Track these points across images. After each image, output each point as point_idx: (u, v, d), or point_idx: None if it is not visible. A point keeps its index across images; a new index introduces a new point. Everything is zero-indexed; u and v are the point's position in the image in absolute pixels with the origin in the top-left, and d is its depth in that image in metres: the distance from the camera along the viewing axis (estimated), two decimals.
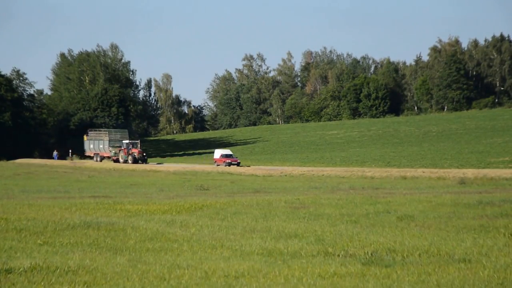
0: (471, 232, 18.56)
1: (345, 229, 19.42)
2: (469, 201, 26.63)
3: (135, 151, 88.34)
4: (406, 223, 20.77)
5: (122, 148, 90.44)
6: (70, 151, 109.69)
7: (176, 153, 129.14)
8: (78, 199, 31.10)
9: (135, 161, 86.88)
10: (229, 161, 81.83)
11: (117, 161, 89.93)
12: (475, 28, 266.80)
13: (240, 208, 25.52)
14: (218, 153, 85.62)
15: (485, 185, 43.30)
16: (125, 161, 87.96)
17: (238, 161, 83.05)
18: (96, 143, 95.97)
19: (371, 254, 15.26)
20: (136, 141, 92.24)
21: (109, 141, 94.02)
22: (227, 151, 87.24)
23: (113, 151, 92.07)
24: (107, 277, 12.92)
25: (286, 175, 63.85)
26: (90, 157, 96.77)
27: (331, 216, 22.83)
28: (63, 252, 15.87)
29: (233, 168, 74.79)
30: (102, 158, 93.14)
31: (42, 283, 12.42)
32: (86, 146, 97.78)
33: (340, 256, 15.32)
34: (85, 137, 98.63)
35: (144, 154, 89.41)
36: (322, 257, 15.27)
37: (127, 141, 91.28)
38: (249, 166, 79.59)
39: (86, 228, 19.80)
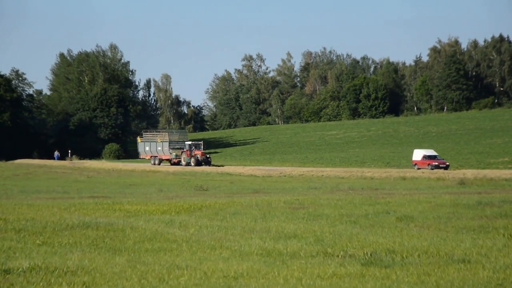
0: (471, 233, 18.56)
1: (344, 230, 19.41)
2: (468, 201, 26.63)
3: (198, 153, 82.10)
4: (406, 224, 20.76)
5: (185, 150, 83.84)
6: (69, 151, 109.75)
7: None
8: (77, 199, 31.08)
9: (198, 163, 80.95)
10: (436, 163, 67.51)
11: (177, 163, 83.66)
12: (474, 28, 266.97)
13: (239, 208, 25.51)
14: (419, 153, 70.75)
15: (485, 185, 43.30)
16: (188, 164, 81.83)
17: (447, 163, 67.84)
18: (153, 145, 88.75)
19: (371, 255, 15.25)
20: (199, 142, 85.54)
21: (169, 142, 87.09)
22: (430, 151, 71.80)
23: (174, 153, 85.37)
24: (106, 278, 12.90)
25: (285, 176, 63.81)
26: (145, 160, 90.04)
27: (331, 216, 22.83)
28: (62, 252, 15.85)
29: (232, 169, 74.35)
30: (161, 161, 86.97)
31: (41, 284, 12.40)
32: (140, 149, 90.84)
33: (340, 256, 15.31)
34: (139, 139, 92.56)
35: (208, 156, 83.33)
36: (321, 257, 15.26)
37: (190, 142, 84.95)
38: (458, 170, 64.19)
39: (85, 228, 19.79)
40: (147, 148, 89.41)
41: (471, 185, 43.75)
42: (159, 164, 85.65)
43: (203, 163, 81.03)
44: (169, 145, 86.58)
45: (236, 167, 76.34)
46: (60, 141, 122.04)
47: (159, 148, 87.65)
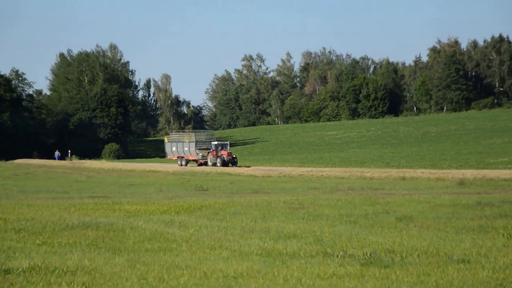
0: (470, 233, 18.56)
1: (344, 230, 19.42)
2: (468, 201, 26.62)
3: (224, 153, 79.63)
4: (405, 224, 20.76)
5: (211, 150, 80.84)
6: (69, 151, 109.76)
7: None
8: (77, 199, 31.09)
9: (224, 163, 78.46)
10: None
11: (204, 164, 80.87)
12: (474, 28, 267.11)
13: (239, 208, 25.51)
14: None
15: (484, 185, 43.26)
16: (214, 164, 79.15)
17: None
18: (180, 145, 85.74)
19: (370, 255, 15.25)
20: (225, 142, 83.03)
21: (196, 142, 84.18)
22: None
23: (200, 154, 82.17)
24: (106, 278, 12.91)
25: (285, 176, 63.78)
26: (173, 161, 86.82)
27: (330, 216, 22.83)
28: (61, 252, 15.86)
29: (232, 169, 74.35)
30: (187, 162, 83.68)
31: (41, 284, 12.40)
32: (167, 149, 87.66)
33: (339, 256, 15.31)
34: (165, 139, 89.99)
35: (234, 156, 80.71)
36: (321, 257, 15.27)
37: (216, 142, 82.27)
38: None
39: (85, 228, 19.80)
40: (173, 149, 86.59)
41: (470, 185, 43.70)
42: (186, 165, 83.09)
43: (229, 164, 78.81)
44: (195, 146, 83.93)
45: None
46: (60, 141, 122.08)
47: (186, 148, 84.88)
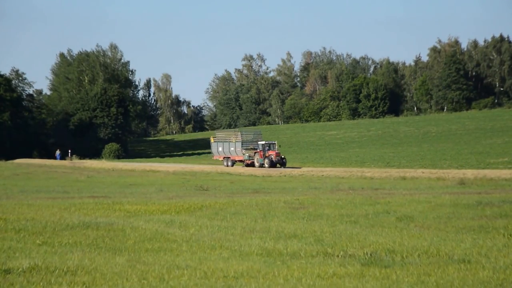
0: (471, 233, 18.56)
1: (344, 230, 19.41)
2: (468, 201, 26.61)
3: (272, 153, 76.22)
4: (406, 224, 20.76)
5: (258, 150, 77.68)
6: (69, 151, 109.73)
7: (175, 153, 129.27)
8: (77, 199, 31.07)
9: (272, 164, 75.23)
10: None
11: (251, 165, 77.53)
12: (474, 28, 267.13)
13: (239, 208, 25.50)
14: None
15: (485, 185, 43.23)
16: (261, 165, 75.87)
17: None
18: (226, 145, 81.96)
19: (371, 255, 15.25)
20: (273, 142, 79.73)
21: (242, 142, 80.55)
22: None
23: (247, 154, 78.85)
24: (106, 278, 12.91)
25: (285, 176, 63.79)
26: (219, 162, 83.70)
27: (331, 216, 22.82)
28: (62, 252, 15.85)
29: (233, 169, 74.30)
30: (234, 163, 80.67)
31: (41, 284, 12.40)
32: (213, 149, 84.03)
33: (340, 256, 15.31)
34: (212, 139, 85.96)
35: (283, 156, 77.44)
36: (322, 257, 15.26)
37: (263, 142, 78.49)
38: None
39: (85, 228, 19.79)
40: (220, 149, 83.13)
41: (471, 185, 43.67)
42: (232, 165, 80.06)
43: (278, 165, 76.14)
44: (242, 145, 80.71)
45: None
46: (60, 141, 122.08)
47: (232, 148, 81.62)
